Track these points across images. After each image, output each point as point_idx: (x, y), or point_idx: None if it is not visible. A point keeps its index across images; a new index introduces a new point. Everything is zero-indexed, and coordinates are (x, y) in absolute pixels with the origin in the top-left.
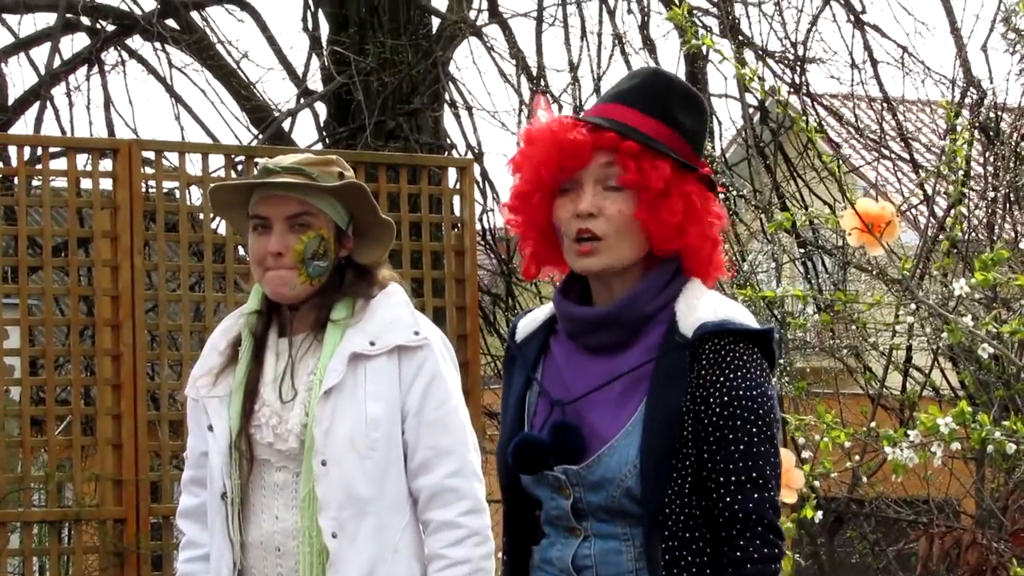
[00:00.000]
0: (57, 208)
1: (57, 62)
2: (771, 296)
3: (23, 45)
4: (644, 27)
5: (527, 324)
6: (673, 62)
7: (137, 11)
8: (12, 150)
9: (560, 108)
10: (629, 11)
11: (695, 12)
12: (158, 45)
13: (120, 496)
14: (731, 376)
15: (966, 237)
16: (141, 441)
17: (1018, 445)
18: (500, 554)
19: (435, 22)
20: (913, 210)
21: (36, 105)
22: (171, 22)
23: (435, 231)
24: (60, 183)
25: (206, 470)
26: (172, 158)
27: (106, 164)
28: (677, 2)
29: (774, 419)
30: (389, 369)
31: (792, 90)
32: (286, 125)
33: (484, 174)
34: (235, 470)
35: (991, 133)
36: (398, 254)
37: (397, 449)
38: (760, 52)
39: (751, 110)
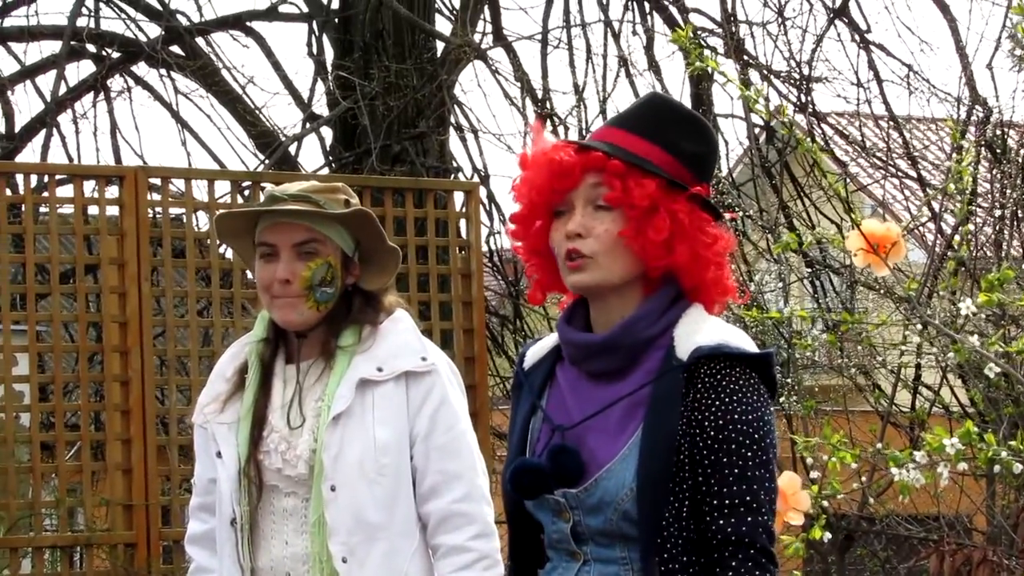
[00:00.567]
0: (64, 235)
1: (63, 89)
2: (777, 317)
3: (29, 73)
4: (649, 48)
5: (535, 352)
6: (678, 83)
7: (142, 38)
8: (19, 178)
9: (566, 130)
10: (634, 33)
11: (700, 32)
12: (163, 71)
13: (131, 521)
14: (727, 400)
15: (974, 255)
16: (151, 466)
17: None
18: None
19: (440, 46)
20: (920, 228)
21: (43, 132)
22: (176, 48)
23: (442, 254)
24: (67, 210)
25: (214, 496)
26: (178, 184)
27: (112, 191)
28: (682, 24)
29: (770, 444)
30: (397, 395)
31: (798, 109)
32: (292, 150)
33: (490, 196)
34: (244, 496)
35: (997, 151)
36: (405, 277)
37: (406, 474)
38: (765, 72)
39: (757, 130)
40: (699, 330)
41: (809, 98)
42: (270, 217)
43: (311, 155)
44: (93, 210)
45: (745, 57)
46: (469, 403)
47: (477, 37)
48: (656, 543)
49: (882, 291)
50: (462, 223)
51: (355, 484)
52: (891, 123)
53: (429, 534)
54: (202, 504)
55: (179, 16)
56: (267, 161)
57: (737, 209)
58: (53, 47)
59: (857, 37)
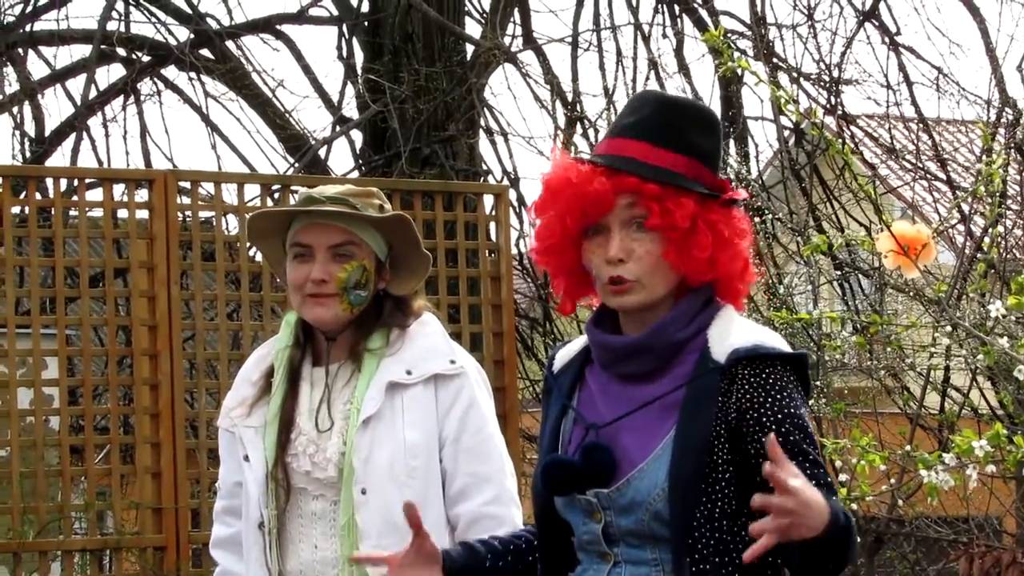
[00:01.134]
0: (94, 239)
1: (93, 93)
2: (807, 319)
3: (59, 76)
4: (678, 51)
5: (564, 355)
6: (708, 86)
7: (172, 41)
8: (49, 182)
9: (596, 133)
10: (664, 35)
11: (730, 35)
12: (193, 75)
13: (160, 524)
14: (777, 396)
15: (1003, 257)
16: (180, 469)
17: None
18: None
19: (469, 49)
20: (950, 230)
21: (73, 136)
22: (206, 52)
23: (471, 257)
24: (97, 214)
25: (239, 500)
26: (208, 187)
27: (142, 194)
28: (712, 26)
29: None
30: (426, 397)
31: (827, 112)
32: (322, 153)
33: (520, 199)
34: (272, 500)
35: None
36: (434, 280)
37: (436, 477)
38: (795, 74)
39: (786, 132)
40: (732, 331)
41: (839, 100)
42: (306, 218)
43: (341, 158)
44: (123, 214)
45: (774, 60)
46: (498, 406)
47: (507, 40)
48: (687, 544)
49: (911, 293)
50: (491, 226)
51: (385, 487)
52: (920, 125)
53: (458, 536)
54: (227, 508)
55: (209, 19)
56: (297, 164)
57: (767, 212)
58: (83, 51)
59: (887, 39)
